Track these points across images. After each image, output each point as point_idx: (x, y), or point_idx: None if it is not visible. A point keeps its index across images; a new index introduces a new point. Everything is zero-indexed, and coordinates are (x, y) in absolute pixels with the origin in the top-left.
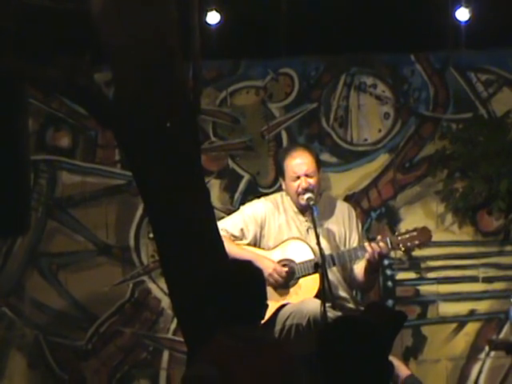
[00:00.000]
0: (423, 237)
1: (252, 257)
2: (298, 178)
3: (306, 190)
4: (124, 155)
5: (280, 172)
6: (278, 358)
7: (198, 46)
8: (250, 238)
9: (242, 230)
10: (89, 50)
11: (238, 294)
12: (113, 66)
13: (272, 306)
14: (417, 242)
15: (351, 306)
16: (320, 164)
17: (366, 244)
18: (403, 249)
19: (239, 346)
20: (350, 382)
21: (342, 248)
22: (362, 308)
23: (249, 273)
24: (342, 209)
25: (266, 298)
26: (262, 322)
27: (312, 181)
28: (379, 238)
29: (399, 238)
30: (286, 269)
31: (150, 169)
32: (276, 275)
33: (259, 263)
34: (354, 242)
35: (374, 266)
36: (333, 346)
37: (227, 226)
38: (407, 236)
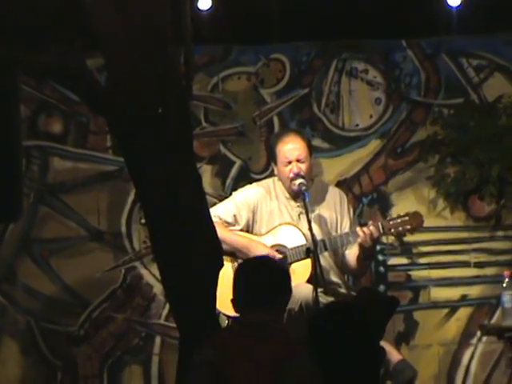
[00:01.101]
0: (415, 222)
1: (245, 242)
2: (290, 162)
3: (298, 175)
4: (116, 141)
5: (272, 157)
6: (276, 346)
7: (189, 31)
8: (242, 223)
9: (234, 216)
10: (81, 36)
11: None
12: (105, 52)
13: None
14: (408, 227)
15: (343, 291)
16: (312, 149)
17: (358, 229)
18: (395, 234)
19: (239, 330)
20: (342, 367)
21: (334, 233)
22: (354, 293)
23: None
24: (334, 194)
25: (284, 288)
26: None
27: (303, 166)
28: (371, 222)
29: (391, 222)
30: (280, 255)
31: (142, 155)
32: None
33: (253, 248)
34: (346, 227)
35: (368, 252)
36: (324, 332)
37: (220, 212)
38: (399, 221)
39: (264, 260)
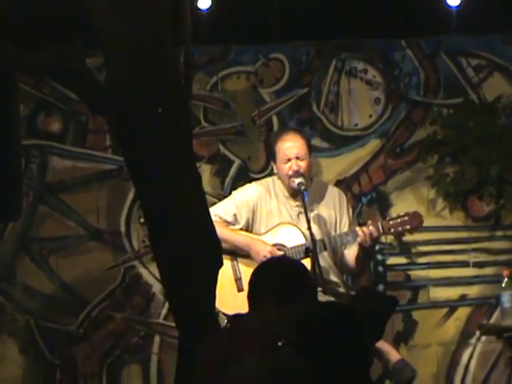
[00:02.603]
0: (414, 221)
1: (246, 240)
2: (289, 160)
3: (297, 173)
4: (115, 140)
5: (271, 155)
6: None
7: (189, 31)
8: (242, 223)
9: (234, 215)
10: (80, 35)
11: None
12: (104, 52)
13: None
14: (408, 227)
15: (342, 290)
16: (311, 148)
17: (358, 228)
18: (394, 233)
19: (226, 328)
20: (329, 366)
21: (333, 233)
22: (353, 293)
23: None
24: (333, 194)
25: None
26: None
27: (303, 164)
28: (370, 222)
29: (390, 222)
30: (282, 252)
31: (142, 154)
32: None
33: (254, 246)
34: (345, 226)
35: (367, 252)
36: (311, 332)
37: (220, 211)
38: (398, 221)
39: (288, 260)
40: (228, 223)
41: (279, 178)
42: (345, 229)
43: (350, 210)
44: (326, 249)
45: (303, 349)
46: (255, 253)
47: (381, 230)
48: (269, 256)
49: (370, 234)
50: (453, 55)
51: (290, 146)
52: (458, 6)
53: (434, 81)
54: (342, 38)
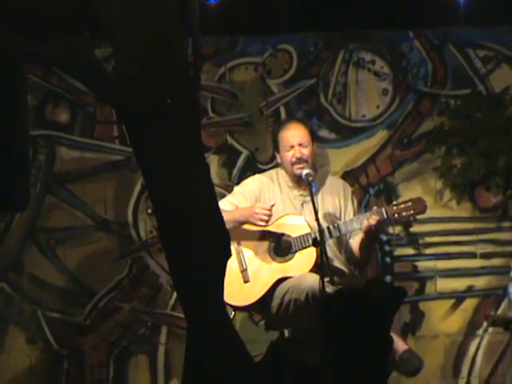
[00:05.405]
0: (418, 207)
1: (240, 212)
2: (292, 147)
3: (300, 160)
4: (123, 131)
5: (275, 145)
6: None
7: (197, 21)
8: None
9: (237, 207)
10: (89, 26)
11: None
12: (112, 43)
13: (269, 280)
14: (412, 212)
15: (349, 281)
16: (314, 137)
17: (362, 217)
18: (399, 218)
19: None
20: (352, 352)
21: (338, 222)
22: (361, 284)
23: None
24: (338, 185)
25: None
26: (259, 297)
27: (306, 151)
28: (375, 208)
29: (394, 207)
30: (271, 203)
31: (151, 144)
32: (261, 210)
33: (246, 211)
34: (349, 215)
35: (371, 238)
36: (336, 316)
37: (223, 205)
38: (402, 206)
39: None
40: None
41: (283, 167)
42: (349, 218)
43: (355, 202)
44: (331, 236)
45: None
46: (249, 216)
47: (385, 215)
48: (259, 210)
49: (375, 219)
50: (460, 46)
51: (293, 134)
52: None
53: (442, 72)
54: (349, 29)
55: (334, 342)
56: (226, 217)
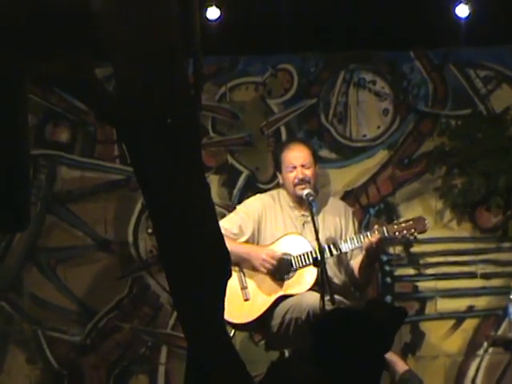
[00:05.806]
0: (419, 225)
1: (245, 248)
2: (295, 168)
3: (303, 181)
4: (124, 151)
5: (277, 165)
6: None
7: (198, 41)
8: (248, 234)
9: (240, 226)
10: (89, 45)
11: None
12: (113, 62)
13: (269, 298)
14: (413, 230)
15: (349, 302)
16: (316, 159)
17: (363, 235)
18: (400, 237)
19: None
20: (344, 373)
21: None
22: (361, 304)
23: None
24: (339, 206)
25: None
26: (259, 314)
27: (308, 172)
28: (376, 226)
29: (395, 226)
30: (279, 253)
31: (151, 164)
32: (269, 259)
33: (252, 251)
34: (350, 236)
35: (372, 256)
36: (327, 337)
37: (225, 224)
38: (403, 225)
39: None
40: (234, 235)
41: (284, 188)
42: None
43: (356, 223)
44: (332, 254)
45: (319, 354)
46: (254, 258)
47: (386, 233)
48: (267, 258)
49: (376, 237)
50: (461, 66)
51: (296, 155)
52: (466, 18)
53: (442, 92)
54: (350, 50)
55: (327, 365)
56: (229, 246)
